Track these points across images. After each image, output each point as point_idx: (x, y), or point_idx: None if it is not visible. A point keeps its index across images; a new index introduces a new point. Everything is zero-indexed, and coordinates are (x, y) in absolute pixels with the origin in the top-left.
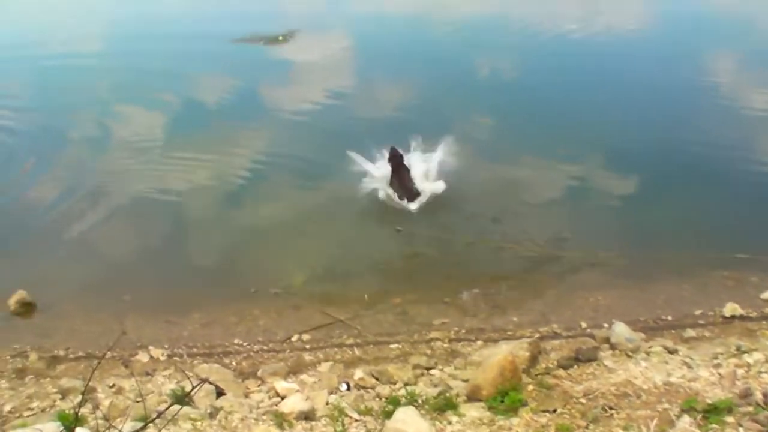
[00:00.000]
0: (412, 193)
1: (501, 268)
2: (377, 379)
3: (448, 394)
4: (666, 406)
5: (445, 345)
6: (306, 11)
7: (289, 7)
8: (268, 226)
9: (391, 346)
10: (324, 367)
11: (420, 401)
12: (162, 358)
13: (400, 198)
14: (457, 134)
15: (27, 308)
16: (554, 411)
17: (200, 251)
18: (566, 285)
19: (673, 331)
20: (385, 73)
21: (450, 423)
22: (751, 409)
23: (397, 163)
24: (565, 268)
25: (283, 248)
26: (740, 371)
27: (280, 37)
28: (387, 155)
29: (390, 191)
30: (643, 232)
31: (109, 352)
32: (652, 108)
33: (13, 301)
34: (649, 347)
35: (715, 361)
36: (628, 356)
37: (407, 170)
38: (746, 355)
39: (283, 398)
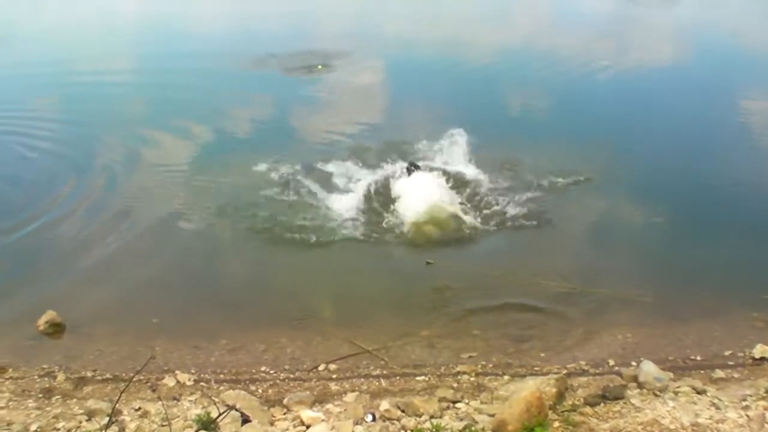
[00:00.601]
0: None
1: (529, 303)
2: (403, 411)
3: (473, 428)
4: None
5: (472, 379)
6: (338, 35)
7: (322, 30)
8: (297, 254)
9: (418, 378)
10: (350, 397)
11: None
12: (189, 383)
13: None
14: (485, 169)
15: (56, 329)
16: None
17: (229, 276)
18: (594, 322)
19: (701, 372)
20: (424, 107)
21: None
22: None
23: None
24: (593, 305)
25: (312, 276)
26: None
27: (319, 66)
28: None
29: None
30: (672, 270)
31: (136, 375)
32: (686, 143)
33: (42, 322)
34: (677, 387)
35: (744, 403)
36: (656, 395)
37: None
38: None
39: (308, 427)
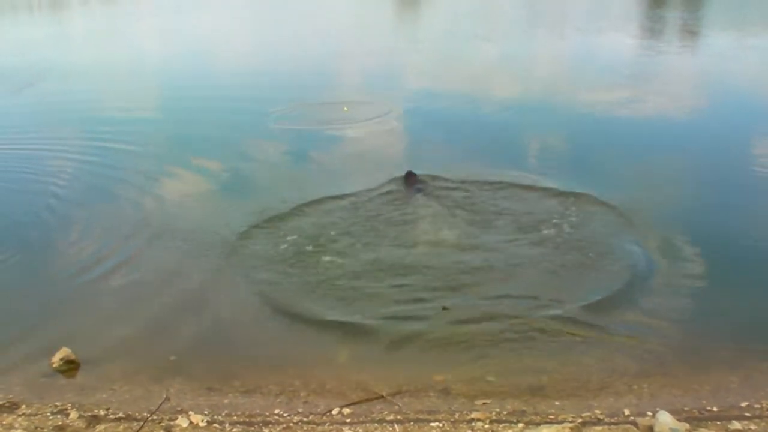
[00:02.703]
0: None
1: (545, 350)
2: None
3: None
4: None
5: (486, 426)
6: (361, 79)
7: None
8: (312, 297)
9: (432, 424)
10: None
11: None
12: (202, 425)
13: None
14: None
15: (70, 366)
16: None
17: (246, 317)
18: (610, 370)
19: (718, 423)
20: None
21: None
22: None
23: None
24: (609, 353)
25: (327, 320)
26: None
27: (345, 108)
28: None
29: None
30: (689, 320)
31: (150, 416)
32: (713, 192)
33: (56, 358)
34: None
35: None
36: None
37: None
38: None
39: None
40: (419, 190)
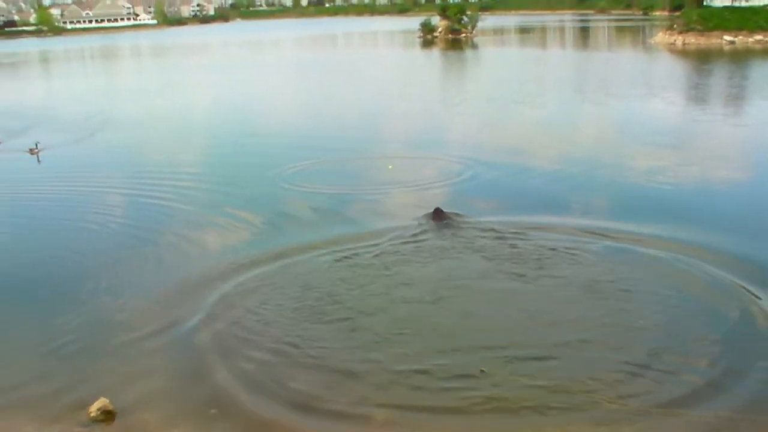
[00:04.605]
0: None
1: (584, 421)
2: None
3: None
4: None
5: None
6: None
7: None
8: (357, 360)
9: None
10: None
11: None
12: None
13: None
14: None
15: (107, 416)
16: None
17: (284, 371)
18: None
19: None
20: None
21: None
22: None
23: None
24: (650, 425)
25: (364, 384)
26: None
27: (390, 167)
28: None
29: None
30: (733, 391)
31: None
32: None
33: (94, 408)
34: None
35: None
36: None
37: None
38: None
39: None
40: (446, 225)
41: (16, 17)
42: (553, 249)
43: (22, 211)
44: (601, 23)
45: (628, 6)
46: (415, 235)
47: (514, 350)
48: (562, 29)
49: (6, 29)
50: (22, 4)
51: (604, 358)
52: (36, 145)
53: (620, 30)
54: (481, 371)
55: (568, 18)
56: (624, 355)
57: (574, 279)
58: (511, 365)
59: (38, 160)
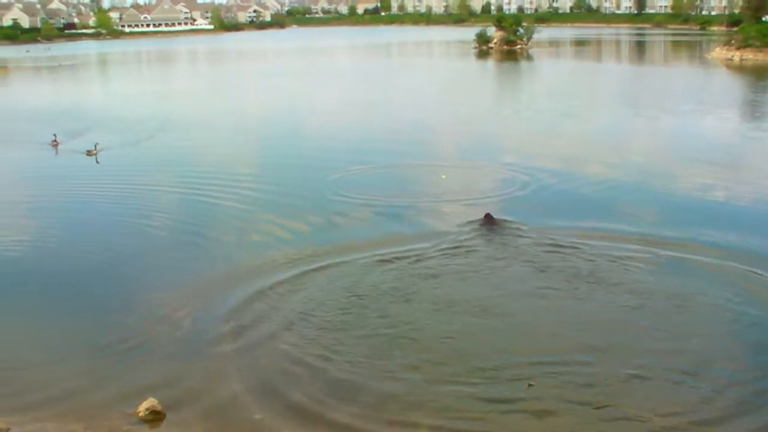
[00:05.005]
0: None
1: None
2: None
3: None
4: None
5: None
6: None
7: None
8: (399, 373)
9: None
10: None
11: None
12: None
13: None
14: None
15: (156, 416)
16: None
17: (323, 384)
18: None
19: None
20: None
21: None
22: None
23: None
24: None
25: (405, 399)
26: None
27: (443, 176)
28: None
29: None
30: None
31: None
32: None
33: (143, 408)
34: None
35: None
36: None
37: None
38: None
39: None
40: (496, 231)
41: (76, 20)
42: (605, 259)
43: (79, 211)
44: (658, 37)
45: (686, 21)
46: (464, 241)
47: (563, 364)
48: (617, 42)
49: (66, 31)
50: (82, 8)
51: (659, 375)
52: (95, 146)
53: (677, 44)
54: (529, 385)
55: (624, 32)
56: (679, 374)
57: (627, 291)
58: (561, 380)
59: (97, 161)
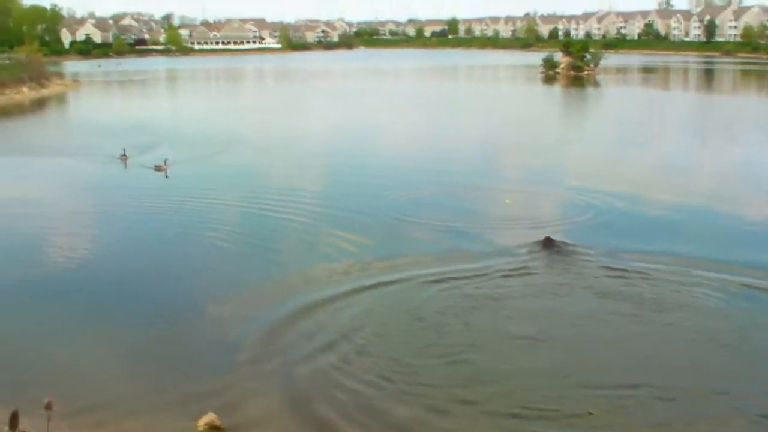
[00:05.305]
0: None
1: None
2: None
3: None
4: None
5: None
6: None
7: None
8: (455, 397)
9: None
10: None
11: None
12: None
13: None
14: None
15: (215, 431)
16: None
17: (380, 403)
18: None
19: None
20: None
21: None
22: None
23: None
24: None
25: (461, 424)
26: None
27: (507, 201)
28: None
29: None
30: None
31: None
32: None
33: (202, 423)
34: None
35: None
36: None
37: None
38: None
39: None
40: (555, 252)
41: (146, 36)
42: (671, 285)
43: (148, 223)
44: (727, 66)
45: (755, 49)
46: (524, 264)
47: (624, 393)
48: (686, 70)
49: (137, 47)
50: (153, 24)
51: (721, 408)
52: (165, 161)
53: (746, 73)
54: (589, 413)
55: (692, 59)
56: (741, 408)
57: (694, 320)
58: (622, 409)
59: (166, 176)
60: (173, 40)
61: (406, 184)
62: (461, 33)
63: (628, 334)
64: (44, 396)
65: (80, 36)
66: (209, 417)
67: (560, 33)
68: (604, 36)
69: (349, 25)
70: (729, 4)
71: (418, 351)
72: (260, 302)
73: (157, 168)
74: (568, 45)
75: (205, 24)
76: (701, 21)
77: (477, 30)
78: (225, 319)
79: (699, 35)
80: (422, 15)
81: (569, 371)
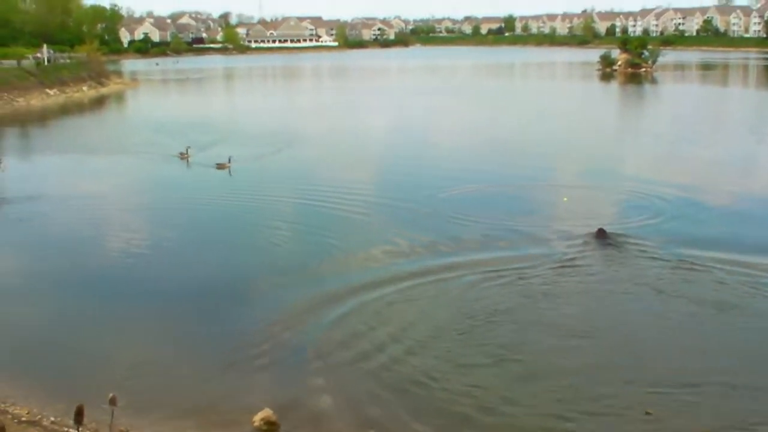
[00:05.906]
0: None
1: None
2: None
3: None
4: None
5: None
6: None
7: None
8: (505, 397)
9: None
10: None
11: None
12: None
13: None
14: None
15: (270, 427)
16: None
17: (426, 402)
18: None
19: None
20: None
21: None
22: None
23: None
24: None
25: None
26: None
27: (565, 198)
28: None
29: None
30: None
31: None
32: None
33: (258, 418)
34: None
35: None
36: None
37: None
38: None
39: None
40: (609, 244)
41: (204, 35)
42: (733, 282)
43: (212, 220)
44: None
45: None
46: (578, 258)
47: (684, 393)
48: (745, 67)
49: (194, 45)
50: (211, 23)
51: None
52: (229, 159)
53: None
54: (647, 413)
55: (752, 56)
56: None
57: (756, 321)
58: (681, 409)
59: (230, 173)
60: (230, 39)
61: (462, 180)
62: (518, 30)
63: (686, 331)
64: (108, 391)
65: (139, 35)
66: (265, 413)
67: (617, 30)
68: (662, 32)
69: (406, 23)
70: None
71: (465, 347)
72: (318, 302)
73: (219, 166)
74: (625, 42)
75: (262, 22)
76: (761, 17)
77: (534, 27)
78: (283, 318)
79: (759, 31)
80: (479, 12)
81: (625, 369)
